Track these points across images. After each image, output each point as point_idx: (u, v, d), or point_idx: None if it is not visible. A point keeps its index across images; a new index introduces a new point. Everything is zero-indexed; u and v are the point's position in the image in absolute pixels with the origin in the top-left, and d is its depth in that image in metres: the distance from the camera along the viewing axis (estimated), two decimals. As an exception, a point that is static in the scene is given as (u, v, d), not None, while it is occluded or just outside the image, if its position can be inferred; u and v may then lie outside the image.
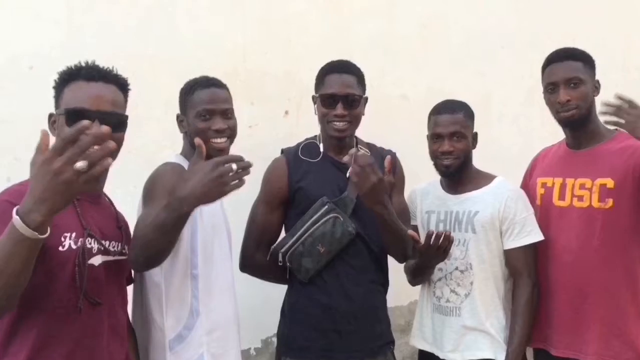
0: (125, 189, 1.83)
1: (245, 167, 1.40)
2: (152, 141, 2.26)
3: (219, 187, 1.39)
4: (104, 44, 2.19)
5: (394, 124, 2.75)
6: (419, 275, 2.13)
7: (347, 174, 1.81)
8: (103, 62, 1.50)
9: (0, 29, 2.09)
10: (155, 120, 2.26)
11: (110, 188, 1.61)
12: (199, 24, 2.46)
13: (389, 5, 2.92)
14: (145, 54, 2.32)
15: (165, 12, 2.40)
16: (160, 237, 1.43)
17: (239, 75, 2.48)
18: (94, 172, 0.99)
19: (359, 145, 2.05)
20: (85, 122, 0.99)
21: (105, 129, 1.01)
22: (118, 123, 1.43)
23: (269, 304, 2.20)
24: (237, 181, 1.39)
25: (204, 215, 1.71)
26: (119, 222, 1.58)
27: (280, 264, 1.95)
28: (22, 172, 1.35)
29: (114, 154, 1.43)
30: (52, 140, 1.08)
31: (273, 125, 2.58)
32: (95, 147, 0.99)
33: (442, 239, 1.89)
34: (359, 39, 2.79)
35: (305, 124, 2.30)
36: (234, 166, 1.37)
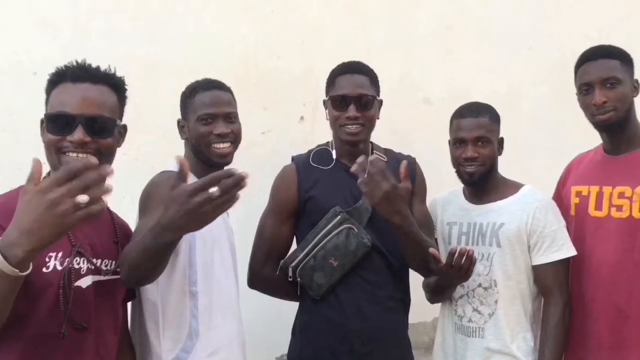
0: (131, 197, 1.75)
1: (235, 184, 1.09)
2: (159, 148, 2.19)
3: (199, 218, 1.15)
4: (109, 48, 2.16)
5: (415, 129, 2.66)
6: (438, 294, 2.01)
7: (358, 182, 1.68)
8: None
9: (4, 34, 2.07)
10: (163, 126, 2.19)
11: (116, 196, 1.52)
12: (209, 26, 2.43)
13: (408, 5, 2.82)
14: (154, 58, 2.28)
15: (174, 15, 2.36)
16: (147, 261, 1.29)
17: (251, 79, 2.43)
18: (91, 210, 0.93)
19: (374, 151, 1.94)
20: (108, 168, 0.95)
21: (108, 170, 0.95)
22: (104, 128, 1.32)
23: (282, 320, 2.11)
24: (225, 202, 1.12)
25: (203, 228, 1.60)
26: (117, 237, 1.47)
27: (290, 279, 1.86)
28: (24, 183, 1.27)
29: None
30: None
31: (287, 131, 2.52)
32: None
33: (464, 258, 1.74)
34: (378, 41, 2.70)
35: (321, 130, 2.21)
36: (214, 191, 1.09)
